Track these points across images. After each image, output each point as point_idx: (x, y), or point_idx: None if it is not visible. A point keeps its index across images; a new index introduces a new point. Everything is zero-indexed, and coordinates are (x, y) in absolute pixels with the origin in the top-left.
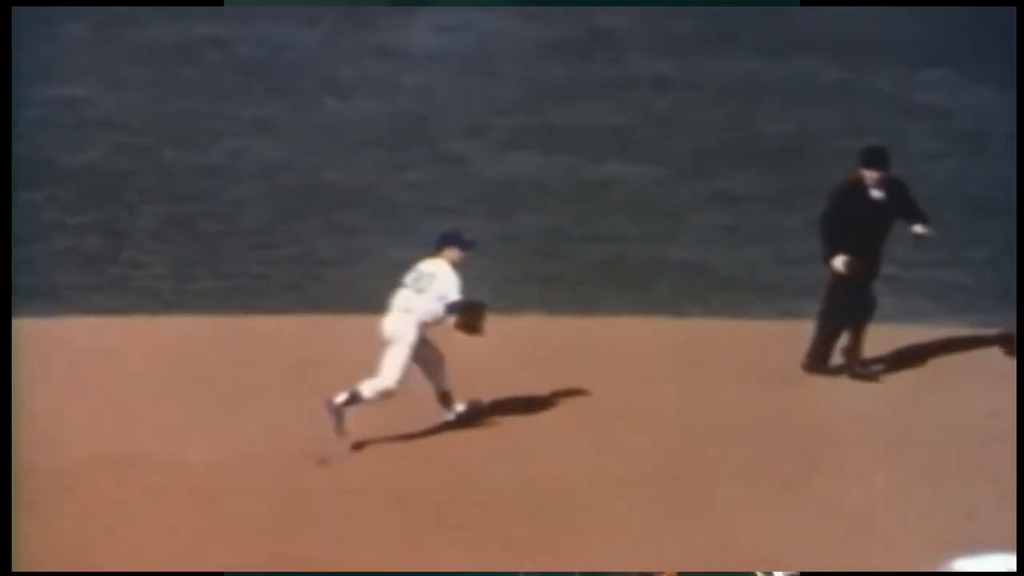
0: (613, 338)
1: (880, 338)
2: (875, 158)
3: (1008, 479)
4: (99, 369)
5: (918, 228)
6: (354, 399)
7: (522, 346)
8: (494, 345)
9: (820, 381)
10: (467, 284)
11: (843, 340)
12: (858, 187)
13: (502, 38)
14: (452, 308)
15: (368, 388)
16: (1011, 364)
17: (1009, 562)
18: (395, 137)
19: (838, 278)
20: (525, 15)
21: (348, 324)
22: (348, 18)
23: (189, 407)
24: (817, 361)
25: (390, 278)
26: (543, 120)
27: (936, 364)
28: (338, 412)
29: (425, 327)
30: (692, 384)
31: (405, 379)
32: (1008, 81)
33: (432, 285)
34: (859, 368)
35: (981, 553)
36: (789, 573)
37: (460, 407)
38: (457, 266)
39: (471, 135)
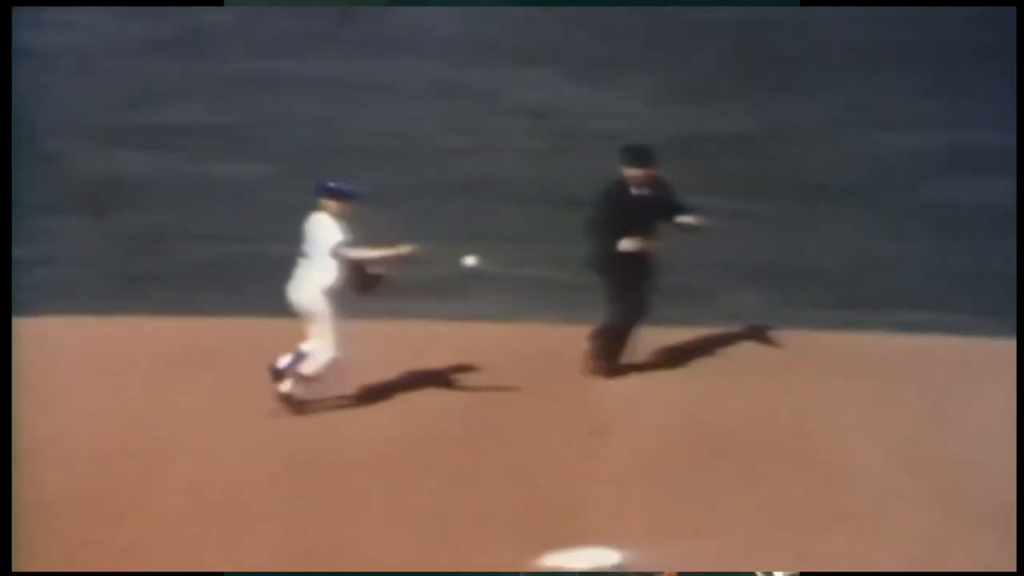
0: (219, 339)
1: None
2: (637, 156)
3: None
4: None
5: (685, 218)
6: (300, 382)
7: (124, 347)
8: (96, 347)
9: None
10: (62, 284)
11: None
12: (622, 186)
13: (100, 36)
14: (340, 247)
15: (311, 367)
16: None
17: (609, 556)
18: None
19: (621, 275)
20: (118, 12)
21: None
22: None
23: None
24: (610, 362)
25: None
26: (144, 119)
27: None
28: (289, 399)
29: (336, 292)
30: None
31: (342, 343)
32: (606, 79)
33: (314, 244)
34: (610, 366)
35: (579, 547)
36: (789, 573)
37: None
38: (341, 216)
39: (70, 134)
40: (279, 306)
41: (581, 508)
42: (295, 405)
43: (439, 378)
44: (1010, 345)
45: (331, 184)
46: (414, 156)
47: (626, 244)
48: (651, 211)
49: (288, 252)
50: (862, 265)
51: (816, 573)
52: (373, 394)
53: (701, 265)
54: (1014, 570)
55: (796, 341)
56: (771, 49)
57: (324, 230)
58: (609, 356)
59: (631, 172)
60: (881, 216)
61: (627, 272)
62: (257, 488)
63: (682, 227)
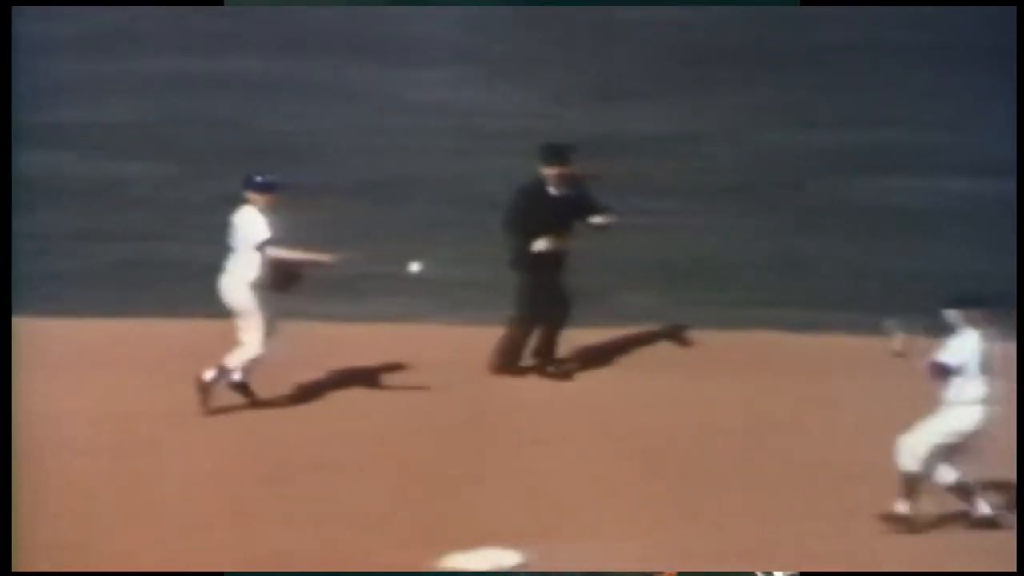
0: (137, 340)
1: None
2: (555, 155)
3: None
4: None
5: (597, 219)
6: (223, 374)
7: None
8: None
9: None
10: None
11: (535, 340)
12: (539, 185)
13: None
14: (265, 245)
15: (235, 360)
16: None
17: (510, 557)
18: None
19: (536, 274)
20: (25, 12)
21: None
22: None
23: None
24: (509, 362)
25: None
26: (55, 117)
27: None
28: (206, 388)
29: (260, 287)
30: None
31: (267, 341)
32: (517, 79)
33: (239, 238)
34: (553, 367)
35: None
36: (789, 573)
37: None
38: (267, 209)
39: None
40: (201, 306)
41: (488, 508)
42: (206, 394)
43: (349, 378)
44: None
45: (259, 178)
46: (325, 155)
47: (540, 244)
48: (568, 210)
49: (196, 256)
50: (770, 264)
51: (816, 573)
52: (284, 395)
53: (610, 265)
54: (1014, 570)
55: (711, 341)
56: (682, 49)
57: (250, 225)
58: (517, 356)
59: (549, 171)
60: (788, 215)
61: (545, 271)
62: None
63: (596, 227)
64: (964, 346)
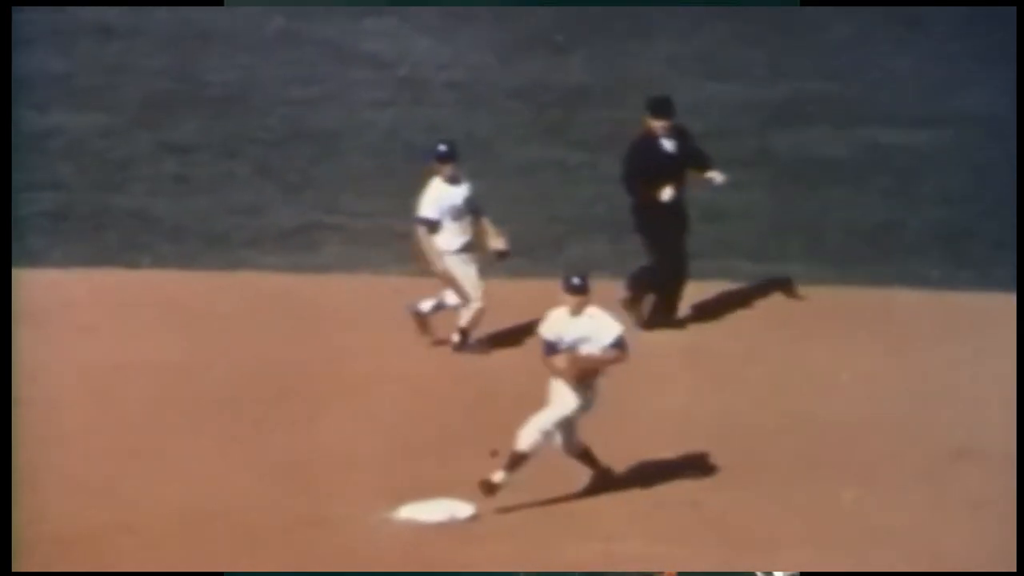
0: (61, 290)
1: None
2: (662, 107)
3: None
4: None
5: (716, 176)
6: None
7: None
8: None
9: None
10: None
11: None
12: (651, 139)
13: None
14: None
15: (464, 320)
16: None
17: (464, 509)
18: None
19: (661, 225)
20: None
21: None
22: None
23: None
24: (664, 316)
25: None
26: None
27: None
28: (465, 338)
29: (448, 252)
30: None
31: (477, 286)
32: (453, 30)
33: None
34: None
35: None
36: (789, 573)
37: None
38: (447, 178)
39: None
40: (128, 258)
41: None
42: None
43: (293, 329)
44: (846, 293)
45: (441, 147)
46: (261, 106)
47: (667, 193)
48: (682, 162)
49: (132, 206)
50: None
51: (816, 573)
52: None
53: (548, 217)
54: (1014, 570)
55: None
56: (608, 1)
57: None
58: (665, 309)
59: (658, 123)
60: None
61: (668, 223)
62: None
63: (711, 182)
64: (558, 322)
